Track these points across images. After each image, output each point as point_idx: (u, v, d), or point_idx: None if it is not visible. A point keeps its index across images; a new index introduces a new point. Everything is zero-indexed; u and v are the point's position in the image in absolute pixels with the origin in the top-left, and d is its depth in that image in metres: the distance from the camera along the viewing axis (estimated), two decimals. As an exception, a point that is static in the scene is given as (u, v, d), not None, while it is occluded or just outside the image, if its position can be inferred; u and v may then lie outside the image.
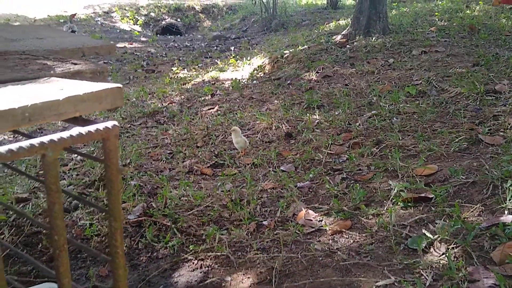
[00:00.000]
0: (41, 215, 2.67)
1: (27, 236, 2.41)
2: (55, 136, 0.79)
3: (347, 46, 6.16)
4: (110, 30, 12.05)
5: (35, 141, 0.78)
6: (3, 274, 0.83)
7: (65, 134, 0.80)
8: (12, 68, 1.16)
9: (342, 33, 6.74)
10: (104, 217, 2.51)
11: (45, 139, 0.78)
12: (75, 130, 0.83)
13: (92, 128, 0.84)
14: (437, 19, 7.08)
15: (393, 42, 5.90)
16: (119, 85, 0.96)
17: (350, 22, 6.81)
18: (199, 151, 3.54)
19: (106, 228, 2.38)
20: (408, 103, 3.85)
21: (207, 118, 4.38)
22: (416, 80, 4.40)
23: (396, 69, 4.96)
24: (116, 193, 0.89)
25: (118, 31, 12.22)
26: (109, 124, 0.87)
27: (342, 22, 8.58)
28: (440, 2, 9.02)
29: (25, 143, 0.78)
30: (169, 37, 12.17)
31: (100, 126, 0.85)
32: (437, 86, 4.13)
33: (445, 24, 6.58)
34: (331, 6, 11.77)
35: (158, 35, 12.36)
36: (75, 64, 1.25)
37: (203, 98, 5.17)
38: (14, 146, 0.76)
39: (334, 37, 6.74)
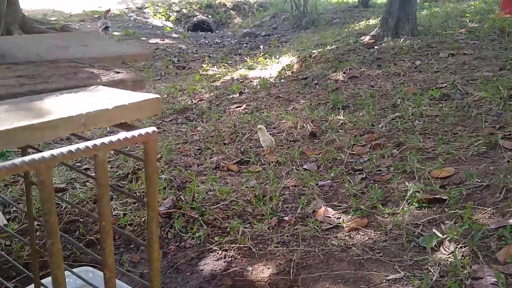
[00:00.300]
0: (78, 204, 2.87)
1: (66, 224, 2.62)
2: (105, 140, 0.95)
3: (375, 47, 6.24)
4: (142, 26, 12.34)
5: (90, 143, 0.94)
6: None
7: (113, 138, 0.97)
8: (65, 76, 1.33)
9: (371, 34, 6.81)
10: (136, 208, 2.70)
11: (97, 142, 0.95)
12: (122, 135, 0.99)
13: (135, 133, 1.01)
14: (467, 21, 7.07)
15: (421, 44, 5.95)
16: (158, 96, 1.12)
17: (379, 23, 6.87)
18: (226, 148, 3.71)
19: (138, 218, 2.57)
20: (431, 106, 3.93)
21: (234, 116, 4.54)
22: (441, 83, 4.47)
23: (423, 71, 5.03)
24: (153, 187, 1.05)
25: (150, 27, 12.51)
26: (149, 130, 1.03)
27: (372, 21, 8.63)
28: (473, 3, 8.97)
29: (81, 145, 0.94)
30: (200, 33, 12.40)
31: (142, 131, 1.01)
32: (461, 89, 4.19)
33: (476, 25, 6.57)
34: (362, 4, 11.80)
35: (190, 32, 12.60)
36: (118, 72, 1.41)
37: (231, 96, 5.34)
38: (73, 147, 0.92)
39: (362, 37, 6.82)
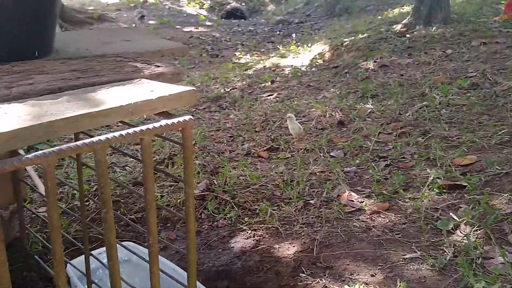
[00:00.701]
0: (118, 186, 3.09)
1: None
2: (150, 126, 1.13)
3: (407, 35, 6.26)
4: (177, 14, 12.57)
5: (137, 129, 1.12)
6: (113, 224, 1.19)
7: (157, 124, 1.14)
8: (112, 70, 1.52)
9: (403, 22, 6.82)
10: (173, 191, 2.90)
11: (143, 127, 1.13)
12: (163, 122, 1.17)
13: (175, 120, 1.18)
14: (503, 8, 6.99)
15: (453, 32, 5.95)
16: (194, 88, 1.29)
17: (411, 11, 6.87)
18: (257, 136, 3.87)
19: (174, 199, 2.77)
20: (459, 95, 3.99)
21: (266, 104, 4.70)
22: (471, 72, 4.50)
23: (453, 60, 5.06)
24: (190, 168, 1.23)
25: (184, 15, 12.72)
26: (187, 117, 1.20)
27: (406, 8, 8.60)
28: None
29: (130, 130, 1.12)
30: (233, 21, 12.54)
31: (181, 119, 1.18)
32: (491, 78, 4.23)
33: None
34: (396, -9, 11.68)
35: (223, 19, 12.75)
36: (158, 66, 1.59)
37: (263, 85, 5.49)
38: (123, 132, 1.10)
39: (394, 26, 6.84)
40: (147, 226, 1.21)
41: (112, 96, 1.24)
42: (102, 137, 1.07)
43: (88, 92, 1.28)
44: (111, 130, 3.93)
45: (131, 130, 1.12)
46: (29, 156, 0.99)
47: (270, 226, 2.47)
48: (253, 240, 2.37)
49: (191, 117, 1.21)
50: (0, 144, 0.98)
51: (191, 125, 1.21)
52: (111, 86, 1.35)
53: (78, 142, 1.05)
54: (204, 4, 13.81)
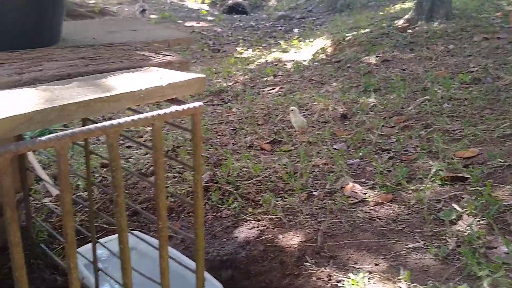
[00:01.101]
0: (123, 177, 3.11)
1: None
2: (161, 112, 1.14)
3: (409, 31, 6.26)
4: (178, 9, 12.56)
5: (148, 114, 1.14)
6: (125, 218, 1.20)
7: (167, 110, 1.16)
8: (121, 58, 1.53)
9: (405, 17, 6.82)
10: (176, 182, 2.91)
11: (154, 113, 1.14)
12: (174, 108, 1.18)
13: (185, 106, 1.19)
14: (504, 3, 7.00)
15: (455, 28, 5.95)
16: (204, 75, 1.31)
17: (413, 7, 6.88)
18: (259, 129, 3.89)
19: (178, 190, 2.78)
20: (461, 89, 4.01)
21: (268, 98, 4.71)
22: (473, 67, 4.52)
23: (455, 55, 5.07)
24: (199, 153, 1.24)
25: (186, 9, 12.71)
26: (197, 104, 1.21)
27: (407, 4, 8.60)
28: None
29: (141, 115, 1.13)
30: (235, 16, 12.53)
31: (191, 105, 1.20)
32: (492, 73, 4.24)
33: (512, 9, 6.51)
34: (398, -13, 11.67)
35: (225, 14, 12.74)
36: (166, 55, 1.60)
37: (265, 79, 5.50)
38: (135, 117, 1.12)
39: (396, 21, 6.84)
40: (157, 211, 1.23)
41: (122, 82, 1.26)
42: (114, 122, 1.08)
43: (98, 79, 1.30)
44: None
45: (142, 115, 1.14)
46: (43, 138, 1.00)
47: (273, 216, 2.49)
48: (257, 230, 2.39)
49: (201, 103, 1.23)
50: (14, 126, 1.00)
51: (201, 112, 1.22)
52: (120, 73, 1.36)
53: (91, 126, 1.06)
54: (206, -1, 13.80)
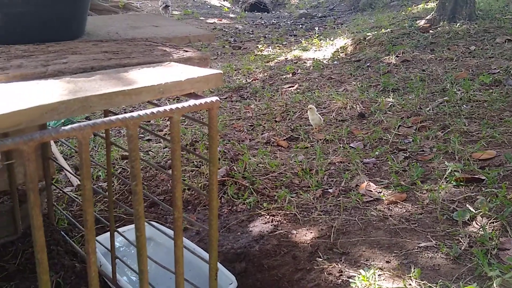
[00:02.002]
0: (142, 170, 3.17)
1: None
2: (179, 105, 1.19)
3: (430, 31, 6.23)
4: (201, 6, 12.66)
5: (167, 107, 1.18)
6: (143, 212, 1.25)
7: (185, 104, 1.20)
8: (143, 53, 1.58)
9: (426, 18, 6.78)
10: (194, 175, 2.97)
11: (173, 106, 1.18)
12: (192, 102, 1.23)
13: (202, 101, 1.23)
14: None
15: (478, 29, 5.90)
16: (221, 71, 1.35)
17: (436, 7, 6.83)
18: (277, 125, 3.92)
19: (195, 184, 2.83)
20: (480, 91, 3.98)
21: (286, 95, 4.74)
22: (494, 68, 4.48)
23: (476, 56, 5.03)
24: (215, 146, 1.28)
25: (208, 6, 12.80)
26: (213, 99, 1.25)
27: (431, 4, 8.53)
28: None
29: (160, 108, 1.18)
30: (256, 14, 12.57)
31: (208, 100, 1.24)
32: (514, 75, 4.20)
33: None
34: (421, -14, 11.56)
35: (246, 12, 12.79)
36: (186, 51, 1.65)
37: (284, 76, 5.52)
38: (154, 110, 1.16)
39: (418, 21, 6.81)
40: (173, 201, 1.27)
41: (143, 77, 1.30)
42: (135, 114, 1.13)
43: (120, 72, 1.35)
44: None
45: (161, 108, 1.18)
46: (66, 128, 1.06)
47: (288, 212, 2.53)
48: (271, 225, 2.42)
49: (218, 98, 1.27)
50: (40, 115, 1.05)
51: (217, 106, 1.26)
52: (141, 68, 1.41)
53: (112, 117, 1.11)
54: (228, -4, 13.86)
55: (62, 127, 1.05)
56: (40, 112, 1.05)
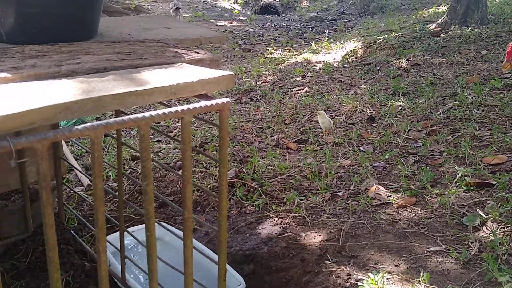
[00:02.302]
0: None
1: (141, 186, 2.93)
2: (191, 106, 1.19)
3: (441, 35, 6.20)
4: (211, 8, 12.70)
5: (178, 108, 1.19)
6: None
7: (197, 105, 1.21)
8: (155, 54, 1.59)
9: (438, 21, 6.76)
10: (203, 177, 2.97)
11: (184, 107, 1.19)
12: (203, 103, 1.23)
13: (213, 102, 1.24)
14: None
15: (490, 33, 5.87)
16: (232, 73, 1.35)
17: (447, 11, 6.80)
18: (286, 128, 3.92)
19: (205, 185, 2.84)
20: (492, 96, 3.96)
21: (296, 98, 4.74)
22: (506, 73, 4.45)
23: (488, 61, 5.00)
24: (225, 147, 1.29)
25: (219, 9, 12.85)
26: (224, 100, 1.26)
27: (442, 8, 8.50)
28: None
29: (172, 109, 1.19)
30: (266, 16, 12.59)
31: (219, 101, 1.25)
32: (526, 80, 4.17)
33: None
34: (433, -10, 11.51)
35: (257, 15, 12.82)
36: (198, 53, 1.66)
37: (294, 79, 5.53)
38: (166, 110, 1.17)
39: (428, 25, 6.78)
40: (183, 201, 1.28)
41: (155, 77, 1.31)
42: (147, 114, 1.14)
43: (133, 73, 1.36)
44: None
45: (173, 109, 1.19)
46: (79, 127, 1.07)
47: (297, 215, 2.53)
48: (280, 227, 2.43)
49: (228, 99, 1.27)
50: (54, 114, 1.06)
51: (228, 107, 1.27)
52: (153, 69, 1.42)
53: (124, 117, 1.12)
54: (238, -2, 13.90)
55: (75, 127, 1.06)
56: (53, 111, 1.06)
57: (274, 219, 2.51)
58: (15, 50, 1.59)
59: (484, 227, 2.17)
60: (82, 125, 1.07)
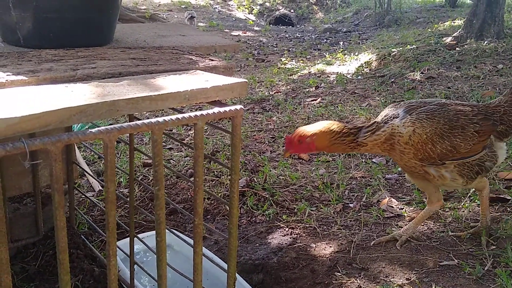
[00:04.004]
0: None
1: (152, 193, 2.94)
2: (204, 112, 1.19)
3: (457, 48, 6.17)
4: (226, 18, 12.77)
5: (192, 114, 1.19)
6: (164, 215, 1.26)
7: (210, 111, 1.21)
8: (169, 61, 1.60)
9: (453, 35, 6.72)
10: (213, 185, 2.97)
11: (197, 113, 1.19)
12: (216, 109, 1.23)
13: (226, 109, 1.24)
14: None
15: (506, 47, 5.83)
16: (245, 80, 1.35)
17: (463, 25, 6.77)
18: (299, 138, 3.90)
19: (215, 193, 2.84)
20: (507, 110, 3.92)
21: (309, 108, 4.73)
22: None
23: (504, 75, 4.96)
24: (237, 155, 1.28)
25: (233, 19, 12.91)
26: (238, 107, 1.26)
27: (457, 22, 8.46)
28: None
29: (185, 115, 1.19)
30: (281, 27, 12.63)
31: (232, 108, 1.24)
32: (542, 95, 4.12)
33: None
34: (449, 4, 11.46)
35: (271, 25, 12.86)
36: (212, 60, 1.66)
37: (307, 90, 5.52)
38: (179, 116, 1.17)
39: (444, 38, 6.75)
40: (194, 207, 1.28)
41: (170, 83, 1.32)
42: (160, 119, 1.14)
43: (147, 78, 1.36)
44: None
45: (186, 115, 1.19)
46: (93, 130, 1.07)
47: (307, 225, 2.51)
48: (290, 238, 2.41)
49: (242, 106, 1.27)
50: (68, 117, 1.07)
51: (241, 114, 1.27)
52: (168, 75, 1.43)
53: (138, 122, 1.12)
54: (253, 9, 13.97)
55: (89, 130, 1.07)
56: (69, 114, 1.07)
57: (285, 229, 2.49)
58: (32, 54, 1.61)
59: (498, 243, 2.13)
60: (96, 129, 1.07)
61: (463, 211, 2.43)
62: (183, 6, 12.42)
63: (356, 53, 7.43)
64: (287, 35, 10.93)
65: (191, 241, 1.41)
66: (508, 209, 2.42)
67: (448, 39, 6.65)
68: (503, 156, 2.16)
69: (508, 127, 2.10)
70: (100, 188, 2.99)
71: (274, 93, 5.54)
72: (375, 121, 2.13)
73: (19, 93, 1.17)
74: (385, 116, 2.13)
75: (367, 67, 6.41)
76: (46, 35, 1.71)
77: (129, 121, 1.65)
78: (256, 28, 11.76)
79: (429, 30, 8.30)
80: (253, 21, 12.89)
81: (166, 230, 1.83)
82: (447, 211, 2.49)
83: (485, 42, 6.13)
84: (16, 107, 1.04)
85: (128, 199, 1.87)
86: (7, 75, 1.29)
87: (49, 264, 2.11)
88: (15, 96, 1.14)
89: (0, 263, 1.03)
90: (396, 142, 2.03)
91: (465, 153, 2.02)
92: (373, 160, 3.35)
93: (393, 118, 2.08)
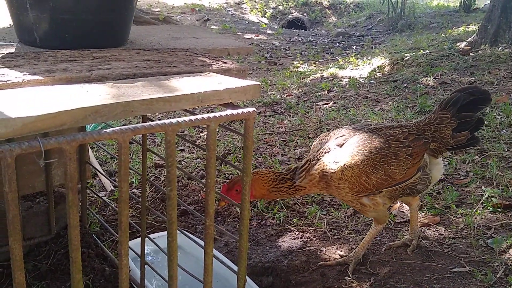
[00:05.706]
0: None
1: (164, 194, 2.95)
2: (217, 114, 1.20)
3: (470, 54, 6.13)
4: (239, 21, 12.80)
5: (205, 116, 1.20)
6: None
7: (223, 113, 1.21)
8: (183, 63, 1.61)
9: (467, 40, 6.68)
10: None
11: (210, 115, 1.20)
12: (229, 111, 1.24)
13: (239, 111, 1.25)
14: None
15: (521, 53, 5.78)
16: (259, 83, 1.36)
17: (477, 30, 6.72)
18: (310, 141, 3.90)
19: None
20: (521, 116, 3.89)
21: (321, 112, 4.72)
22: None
23: (518, 81, 4.92)
24: (249, 156, 1.29)
25: (246, 22, 12.93)
26: (250, 109, 1.26)
27: (472, 27, 8.41)
28: None
29: (198, 116, 1.20)
30: (293, 31, 12.62)
31: (244, 110, 1.25)
32: (557, 102, 4.09)
33: None
34: (464, 9, 11.38)
35: (284, 28, 12.86)
36: (225, 63, 1.67)
37: (319, 93, 5.51)
38: (192, 117, 1.18)
39: (458, 44, 6.71)
40: (205, 208, 1.28)
41: (183, 85, 1.33)
42: (173, 120, 1.15)
43: (161, 80, 1.38)
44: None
45: (199, 116, 1.20)
46: (108, 130, 1.08)
47: (318, 229, 2.50)
48: (300, 241, 2.41)
49: (254, 109, 1.28)
50: (83, 117, 1.08)
51: (254, 117, 1.27)
52: (182, 77, 1.44)
53: (152, 123, 1.13)
54: (267, 12, 13.99)
55: (104, 130, 1.08)
56: (84, 114, 1.08)
57: (295, 233, 2.49)
58: (48, 54, 1.63)
59: (510, 250, 2.12)
60: (111, 129, 1.08)
61: (475, 218, 2.41)
62: (197, 9, 12.47)
63: (369, 58, 7.41)
64: (299, 39, 10.93)
65: (201, 243, 1.42)
66: (521, 216, 2.40)
67: (462, 45, 6.60)
68: (440, 172, 2.14)
69: (440, 144, 2.06)
70: (112, 188, 3.01)
71: (286, 96, 5.55)
72: (308, 159, 2.08)
73: (35, 92, 1.19)
74: (317, 152, 2.08)
75: (379, 72, 6.38)
76: (62, 36, 1.73)
77: (143, 122, 1.67)
78: (268, 31, 11.77)
79: (442, 35, 8.25)
80: (266, 24, 12.91)
81: (178, 231, 1.84)
82: (458, 218, 2.48)
83: (500, 48, 6.07)
84: (32, 106, 1.05)
85: (139, 199, 1.88)
86: (23, 74, 1.31)
87: (60, 262, 2.13)
88: (31, 95, 1.16)
89: (14, 260, 1.04)
90: (329, 179, 1.99)
91: (400, 179, 1.99)
92: (385, 165, 3.33)
93: (324, 153, 2.04)
